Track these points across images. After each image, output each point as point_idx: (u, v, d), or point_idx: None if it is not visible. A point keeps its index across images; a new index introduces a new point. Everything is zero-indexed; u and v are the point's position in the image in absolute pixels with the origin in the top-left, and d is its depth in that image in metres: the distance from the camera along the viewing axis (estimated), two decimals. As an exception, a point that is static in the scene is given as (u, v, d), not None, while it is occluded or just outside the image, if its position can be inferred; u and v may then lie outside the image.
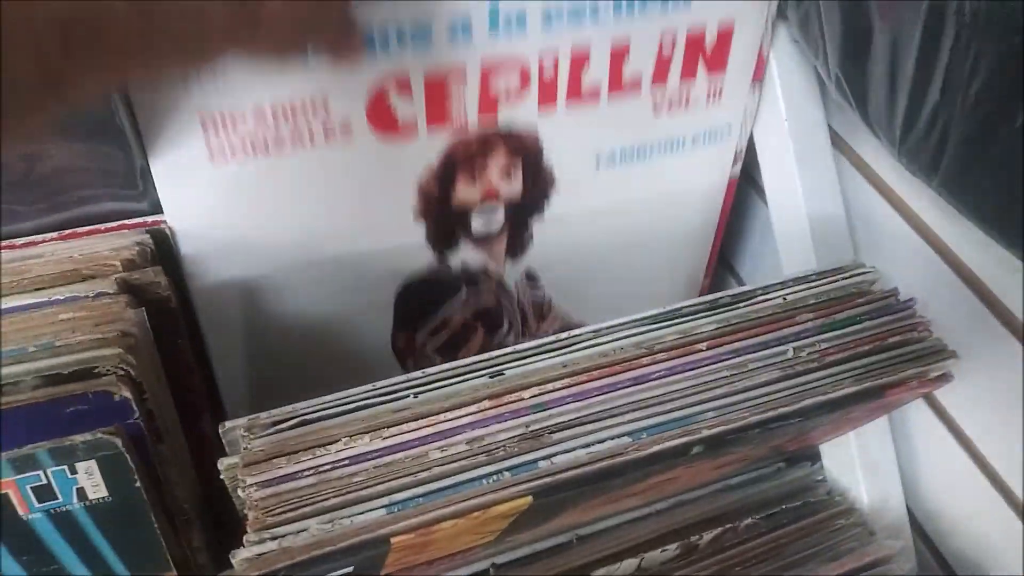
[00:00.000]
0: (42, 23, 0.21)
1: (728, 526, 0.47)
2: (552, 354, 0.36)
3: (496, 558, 0.45)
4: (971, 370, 0.44)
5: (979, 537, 0.48)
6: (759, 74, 0.48)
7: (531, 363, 0.36)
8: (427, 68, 0.40)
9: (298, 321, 0.44)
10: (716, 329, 0.38)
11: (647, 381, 0.36)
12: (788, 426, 0.36)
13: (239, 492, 0.30)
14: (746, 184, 0.56)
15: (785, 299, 0.40)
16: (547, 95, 0.43)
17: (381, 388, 0.34)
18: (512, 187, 0.46)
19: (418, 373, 0.35)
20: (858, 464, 0.49)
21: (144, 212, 0.39)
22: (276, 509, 0.30)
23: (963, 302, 0.44)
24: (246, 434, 0.32)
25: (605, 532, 0.46)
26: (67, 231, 0.38)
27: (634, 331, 0.38)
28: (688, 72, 0.46)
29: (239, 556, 0.29)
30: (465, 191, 0.45)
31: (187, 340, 0.39)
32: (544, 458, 0.32)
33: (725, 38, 0.45)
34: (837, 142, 0.50)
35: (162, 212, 0.39)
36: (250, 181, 0.40)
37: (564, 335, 0.37)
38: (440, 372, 0.35)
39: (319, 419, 0.32)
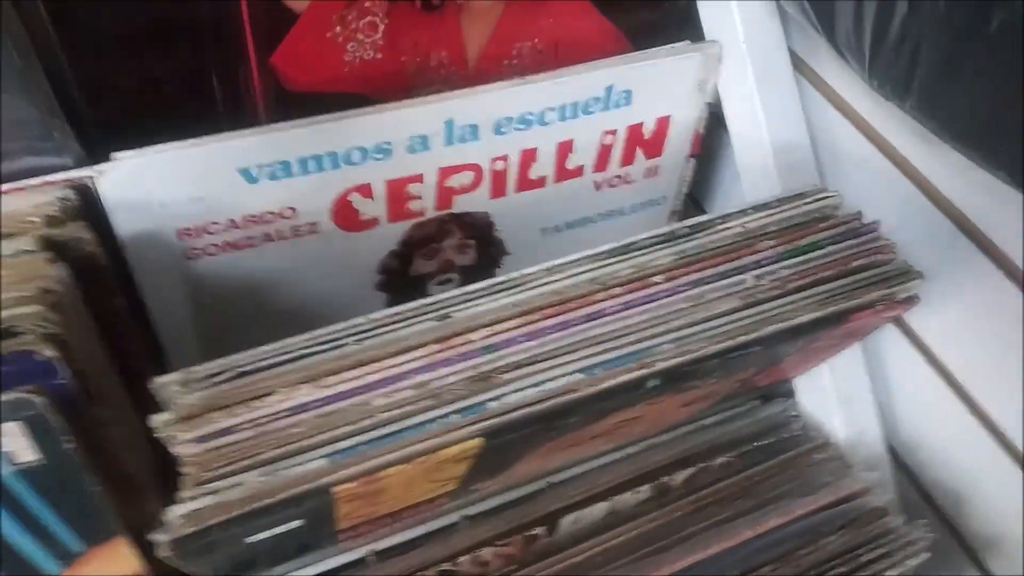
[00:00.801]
0: None
1: (701, 465, 0.46)
2: (503, 294, 0.35)
3: (466, 510, 0.44)
4: (944, 294, 0.43)
5: (959, 464, 0.47)
6: (695, 150, 0.51)
7: (481, 304, 0.34)
8: (388, 176, 0.42)
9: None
10: (673, 261, 0.37)
11: (601, 316, 0.34)
12: (749, 356, 0.35)
13: (174, 448, 0.29)
14: (714, 120, 0.55)
15: (745, 227, 0.38)
16: (498, 187, 0.46)
17: (321, 336, 0.32)
18: (465, 258, 0.50)
19: (361, 319, 0.33)
20: (832, 397, 0.48)
21: (67, 166, 0.37)
22: (213, 464, 0.29)
23: (934, 226, 0.43)
24: (180, 388, 0.30)
25: (577, 478, 0.45)
26: (-14, 189, 0.36)
27: (588, 267, 0.36)
28: (627, 159, 0.49)
29: (173, 513, 0.28)
30: (423, 265, 0.49)
31: (123, 299, 0.37)
32: (494, 399, 0.31)
33: (663, 127, 0.49)
34: (799, 66, 0.48)
35: (86, 166, 0.37)
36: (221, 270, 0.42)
37: (516, 274, 0.36)
38: (384, 317, 0.33)
39: (256, 371, 0.31)
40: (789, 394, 0.51)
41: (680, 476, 0.45)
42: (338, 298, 0.47)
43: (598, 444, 0.43)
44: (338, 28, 0.40)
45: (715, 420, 0.49)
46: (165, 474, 0.40)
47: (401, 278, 0.48)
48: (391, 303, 0.49)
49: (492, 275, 0.52)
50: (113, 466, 0.35)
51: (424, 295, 0.50)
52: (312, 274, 0.44)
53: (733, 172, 0.55)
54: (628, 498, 0.44)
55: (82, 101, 0.39)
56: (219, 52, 0.40)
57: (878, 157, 0.45)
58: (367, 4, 0.40)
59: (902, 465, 0.51)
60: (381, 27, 0.41)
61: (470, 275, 0.51)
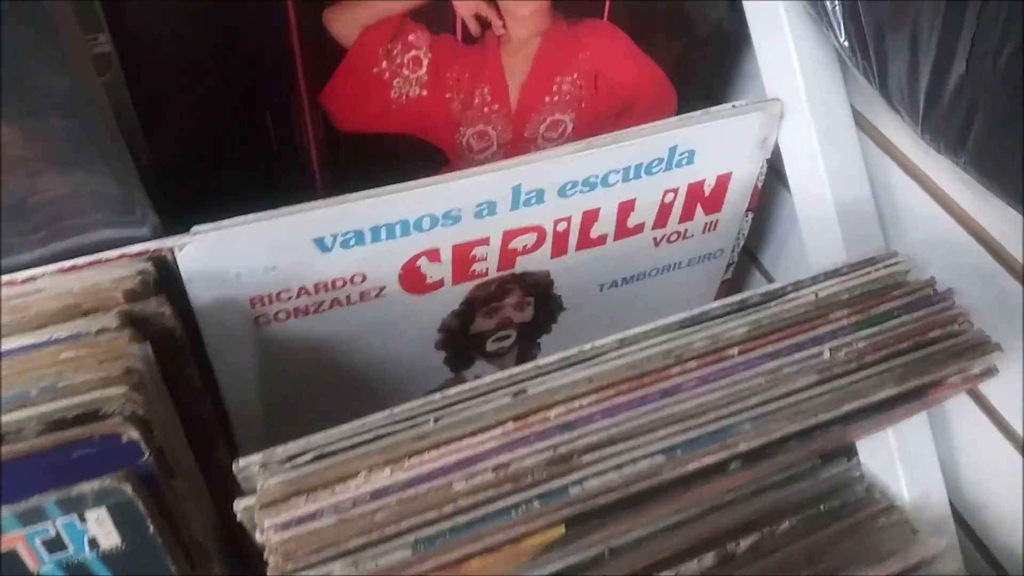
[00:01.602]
0: None
1: (766, 530, 0.45)
2: (576, 367, 0.35)
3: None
4: (1012, 358, 0.42)
5: (1027, 528, 0.46)
6: (753, 204, 0.51)
7: (554, 378, 0.34)
8: (455, 241, 0.43)
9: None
10: (747, 332, 0.36)
11: (678, 392, 0.34)
12: (829, 433, 0.34)
13: (257, 535, 0.29)
14: (770, 171, 0.54)
15: (817, 296, 0.38)
16: (559, 246, 0.47)
17: (399, 414, 0.32)
18: (524, 315, 0.51)
19: (437, 396, 0.33)
20: (897, 458, 0.47)
21: (145, 237, 0.38)
22: (297, 552, 0.28)
23: (998, 286, 0.42)
24: (261, 471, 0.30)
25: (637, 544, 0.45)
26: (67, 263, 0.36)
27: (661, 339, 0.36)
28: (687, 215, 0.49)
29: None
30: (482, 323, 0.50)
31: (195, 368, 0.38)
32: (575, 483, 0.31)
33: (723, 184, 0.49)
34: (860, 121, 0.48)
35: (162, 236, 0.38)
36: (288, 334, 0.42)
37: (588, 346, 0.35)
38: (460, 393, 0.33)
39: (336, 452, 0.31)
40: (850, 452, 0.50)
41: (745, 542, 0.44)
42: (399, 358, 0.47)
43: (665, 512, 0.42)
44: (384, 63, 0.41)
45: (776, 480, 0.48)
46: (228, 536, 0.40)
47: (460, 336, 0.48)
48: (450, 360, 0.50)
49: (549, 330, 0.52)
50: (186, 538, 0.35)
51: (482, 352, 0.51)
52: (375, 336, 0.45)
53: (788, 221, 0.55)
54: (693, 566, 0.43)
55: (158, 172, 0.40)
56: (273, 95, 0.41)
57: (942, 215, 0.45)
58: (411, 38, 0.40)
59: (966, 529, 0.49)
60: (425, 62, 0.42)
61: (527, 334, 0.52)
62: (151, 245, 0.37)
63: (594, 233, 0.47)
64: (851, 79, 0.47)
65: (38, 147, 0.33)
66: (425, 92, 0.42)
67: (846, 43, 0.40)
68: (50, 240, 0.37)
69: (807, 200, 0.48)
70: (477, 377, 0.51)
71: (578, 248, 0.47)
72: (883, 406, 0.35)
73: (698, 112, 0.46)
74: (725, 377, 0.35)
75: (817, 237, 0.47)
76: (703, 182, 0.48)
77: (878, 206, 0.48)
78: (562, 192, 0.43)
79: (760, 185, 0.50)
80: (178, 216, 0.40)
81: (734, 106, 0.46)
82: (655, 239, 0.49)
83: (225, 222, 0.37)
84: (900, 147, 0.46)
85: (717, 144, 0.46)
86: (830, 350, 0.36)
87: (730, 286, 0.57)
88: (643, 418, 0.33)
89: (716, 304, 0.37)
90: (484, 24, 0.41)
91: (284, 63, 0.39)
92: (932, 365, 0.36)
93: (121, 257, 0.36)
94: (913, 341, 0.37)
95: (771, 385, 0.34)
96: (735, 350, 0.35)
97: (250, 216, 0.37)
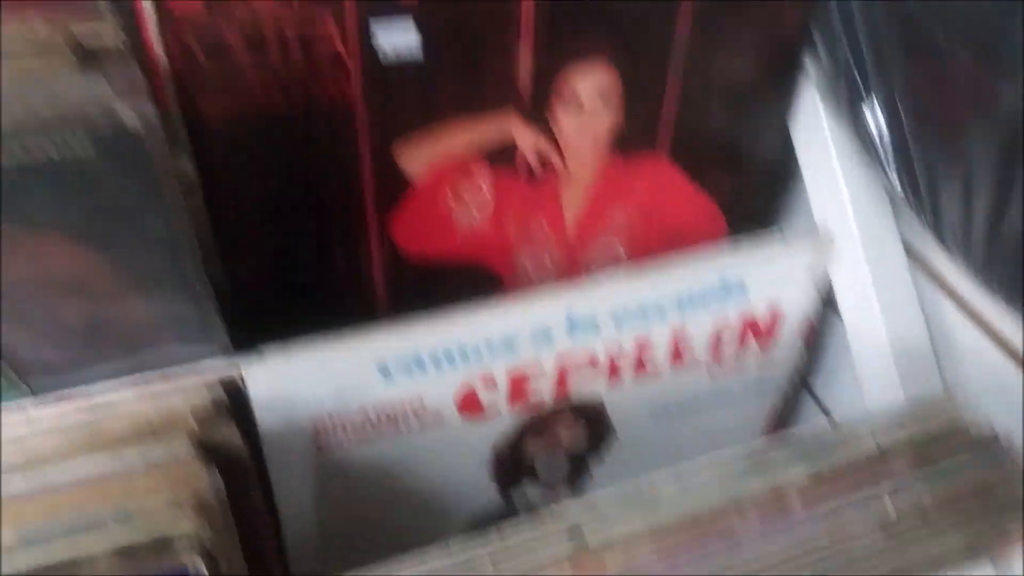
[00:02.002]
0: None
1: None
2: (634, 508, 0.35)
3: None
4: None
5: None
6: (806, 337, 0.52)
7: (612, 519, 0.34)
8: (511, 367, 0.43)
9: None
10: (807, 479, 0.36)
11: (738, 542, 0.34)
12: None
13: None
14: (824, 303, 0.55)
15: (878, 444, 0.38)
16: (613, 374, 0.47)
17: (456, 551, 0.32)
18: (575, 440, 0.51)
19: (493, 535, 0.33)
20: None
21: (214, 356, 0.39)
22: None
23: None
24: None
25: None
26: (141, 381, 0.37)
27: (717, 476, 0.36)
28: (740, 346, 0.50)
29: None
30: (533, 446, 0.50)
31: (259, 494, 0.38)
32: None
33: (776, 316, 0.49)
34: (911, 254, 0.48)
35: (233, 354, 0.39)
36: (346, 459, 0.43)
37: (644, 482, 0.35)
38: (517, 529, 0.33)
39: (395, 593, 0.31)
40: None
41: None
42: (449, 479, 0.47)
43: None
44: (449, 195, 0.43)
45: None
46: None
47: (511, 459, 0.49)
48: (498, 480, 0.50)
49: (600, 455, 0.52)
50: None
51: (532, 474, 0.51)
52: (428, 459, 0.45)
53: (840, 348, 0.55)
54: None
55: (229, 291, 0.42)
56: (342, 221, 0.42)
57: (996, 353, 0.45)
58: (475, 172, 0.42)
59: None
60: (487, 194, 0.43)
61: (578, 460, 0.52)
62: (222, 366, 0.38)
63: (648, 362, 0.47)
64: (901, 210, 0.48)
65: (124, 275, 0.35)
66: (486, 222, 0.44)
67: (898, 185, 0.41)
68: (123, 356, 0.38)
69: (861, 337, 0.48)
70: (524, 495, 0.51)
71: (632, 377, 0.47)
72: (947, 560, 0.34)
73: (747, 241, 0.47)
74: (787, 530, 0.34)
75: (873, 375, 0.47)
76: (756, 314, 0.48)
77: (932, 341, 0.48)
78: (616, 320, 0.44)
79: (813, 318, 0.51)
80: (245, 333, 0.42)
81: (783, 235, 0.47)
82: (708, 369, 0.50)
83: (293, 346, 0.38)
84: (953, 282, 0.46)
85: (768, 275, 0.47)
86: (892, 503, 0.35)
87: (782, 412, 0.56)
88: (703, 567, 0.33)
89: (773, 443, 0.37)
90: (544, 161, 0.43)
91: (354, 193, 0.41)
92: (995, 520, 0.35)
93: (193, 377, 0.38)
94: (977, 495, 0.36)
95: (834, 540, 0.34)
96: (796, 500, 0.35)
97: (317, 340, 0.38)
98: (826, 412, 0.58)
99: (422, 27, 0.36)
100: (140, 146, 0.27)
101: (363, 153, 0.39)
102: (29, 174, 0.27)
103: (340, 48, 0.35)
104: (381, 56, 0.36)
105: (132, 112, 0.27)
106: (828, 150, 0.46)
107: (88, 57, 0.29)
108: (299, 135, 0.38)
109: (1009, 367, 0.44)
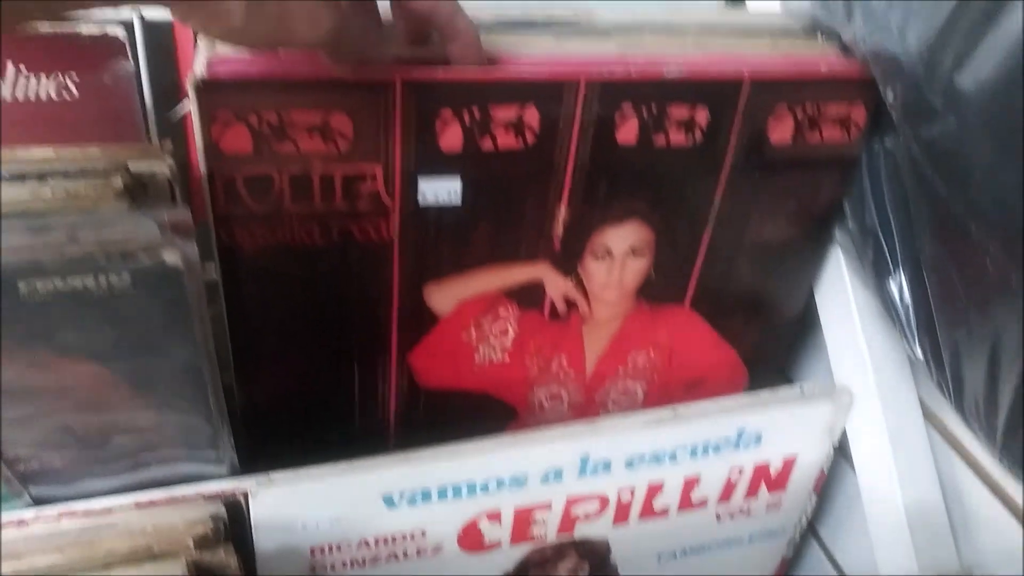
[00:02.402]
0: None
1: None
2: None
3: None
4: None
5: None
6: (818, 487, 0.51)
7: None
8: (518, 504, 0.43)
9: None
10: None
11: None
12: None
13: None
14: (836, 453, 0.54)
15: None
16: (621, 515, 0.47)
17: None
18: None
19: None
20: None
21: (220, 475, 0.38)
22: None
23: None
24: None
25: None
26: (144, 498, 0.37)
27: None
28: (751, 493, 0.49)
29: None
30: None
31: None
32: None
33: (789, 466, 0.49)
34: (928, 415, 0.48)
35: (239, 474, 0.38)
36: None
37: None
38: None
39: None
40: None
41: None
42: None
43: None
44: (473, 331, 0.43)
45: None
46: None
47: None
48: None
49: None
50: None
51: (531, 612, 0.50)
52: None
53: (851, 499, 0.54)
54: None
55: (241, 408, 0.41)
56: (362, 348, 0.42)
57: (1011, 522, 0.44)
58: (502, 312, 0.42)
59: None
60: (511, 332, 0.43)
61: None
62: (227, 487, 0.38)
63: (657, 505, 0.46)
64: (919, 370, 0.47)
65: (142, 394, 0.35)
66: (507, 358, 0.44)
67: (920, 352, 0.41)
68: (130, 470, 0.38)
69: (876, 498, 0.47)
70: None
71: (640, 518, 0.46)
72: None
73: (766, 393, 0.46)
74: None
75: (886, 538, 0.46)
76: (769, 463, 0.48)
77: (947, 505, 0.47)
78: (629, 464, 0.44)
79: (826, 469, 0.50)
80: (252, 451, 0.41)
81: (802, 390, 0.47)
82: (718, 514, 0.49)
83: (301, 472, 0.37)
84: (969, 448, 0.46)
85: (785, 427, 0.47)
86: None
87: (790, 561, 0.55)
88: None
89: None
90: (571, 305, 0.43)
91: (378, 325, 0.41)
92: None
93: (197, 496, 0.37)
94: None
95: None
96: None
97: (324, 468, 0.38)
98: (834, 562, 0.56)
99: (466, 180, 0.37)
100: (179, 283, 0.28)
101: (392, 288, 0.40)
102: (63, 303, 0.27)
103: (383, 195, 0.36)
104: (421, 200, 0.37)
105: (176, 253, 0.27)
106: (851, 311, 0.46)
107: (138, 191, 0.30)
108: (330, 265, 0.38)
109: (1018, 531, 0.43)
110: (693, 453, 0.45)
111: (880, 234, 0.41)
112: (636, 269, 0.42)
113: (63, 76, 0.37)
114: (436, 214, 0.37)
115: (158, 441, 0.37)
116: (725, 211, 0.41)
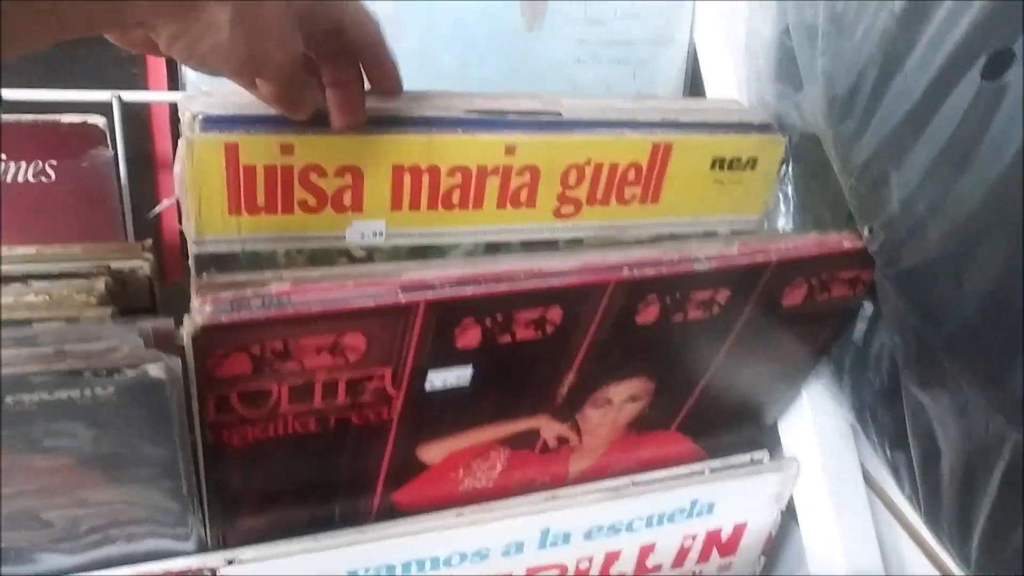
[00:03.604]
0: None
1: None
2: None
3: None
4: None
5: None
6: (767, 549, 0.54)
7: None
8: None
9: None
10: None
11: None
12: None
13: None
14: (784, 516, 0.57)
15: None
16: None
17: None
18: None
19: None
20: None
21: (187, 552, 0.39)
22: None
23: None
24: None
25: None
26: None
27: None
28: (703, 558, 0.52)
29: None
30: None
31: None
32: None
33: (739, 532, 0.51)
34: (869, 482, 0.50)
35: (207, 551, 0.39)
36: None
37: None
38: None
39: None
40: None
41: None
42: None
43: None
44: (461, 473, 0.43)
45: None
46: None
47: None
48: None
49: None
50: None
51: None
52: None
53: (796, 557, 0.56)
54: None
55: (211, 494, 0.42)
56: (346, 492, 0.41)
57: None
58: (492, 455, 0.43)
59: None
60: (499, 468, 0.44)
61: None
62: (194, 564, 0.38)
63: (613, 571, 0.48)
64: (861, 441, 0.50)
65: (117, 487, 0.35)
66: (491, 485, 0.45)
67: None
68: (97, 545, 0.38)
69: (820, 563, 0.50)
70: None
71: (595, 582, 0.48)
72: None
73: (719, 462, 0.49)
74: None
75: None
76: (721, 529, 0.50)
77: (886, 567, 0.50)
78: (588, 535, 0.45)
79: (774, 532, 0.52)
80: (221, 529, 0.41)
81: (752, 459, 0.49)
82: (669, 576, 0.51)
83: (266, 548, 0.38)
84: (907, 515, 0.48)
85: (736, 497, 0.49)
86: None
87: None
88: None
89: None
90: (562, 441, 0.44)
91: (365, 478, 0.40)
92: None
93: (164, 573, 0.37)
94: None
95: None
96: None
97: (291, 544, 0.39)
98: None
99: (477, 367, 0.36)
100: (161, 394, 0.29)
101: (384, 454, 0.39)
102: (47, 412, 0.28)
103: (389, 389, 0.35)
104: (428, 387, 0.36)
105: (160, 366, 0.28)
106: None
107: (118, 291, 0.30)
108: (323, 446, 0.37)
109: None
110: (649, 523, 0.47)
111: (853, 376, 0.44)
112: (632, 411, 0.44)
113: (42, 162, 0.38)
114: (441, 395, 0.37)
115: (127, 519, 0.38)
116: (726, 361, 0.43)
